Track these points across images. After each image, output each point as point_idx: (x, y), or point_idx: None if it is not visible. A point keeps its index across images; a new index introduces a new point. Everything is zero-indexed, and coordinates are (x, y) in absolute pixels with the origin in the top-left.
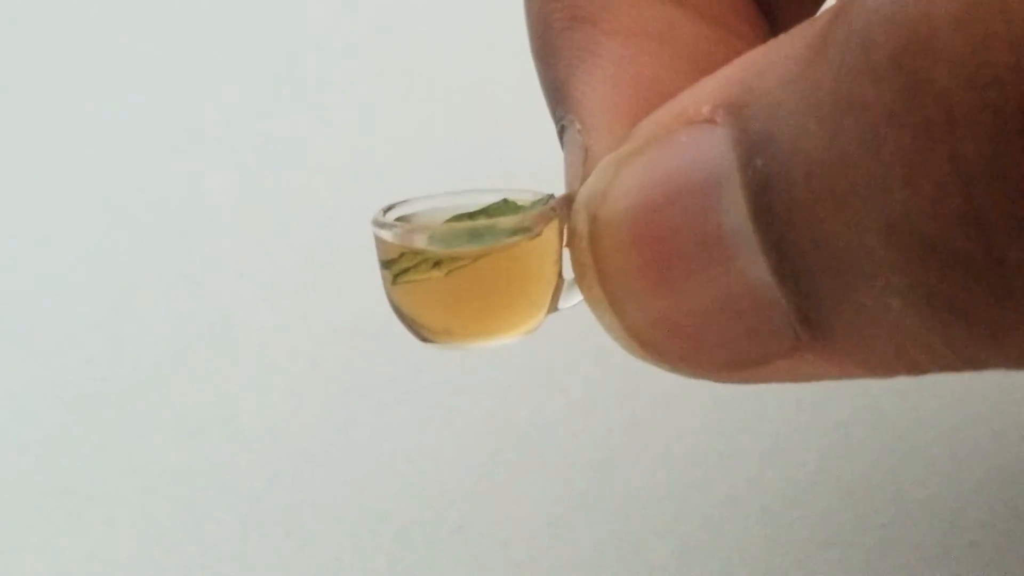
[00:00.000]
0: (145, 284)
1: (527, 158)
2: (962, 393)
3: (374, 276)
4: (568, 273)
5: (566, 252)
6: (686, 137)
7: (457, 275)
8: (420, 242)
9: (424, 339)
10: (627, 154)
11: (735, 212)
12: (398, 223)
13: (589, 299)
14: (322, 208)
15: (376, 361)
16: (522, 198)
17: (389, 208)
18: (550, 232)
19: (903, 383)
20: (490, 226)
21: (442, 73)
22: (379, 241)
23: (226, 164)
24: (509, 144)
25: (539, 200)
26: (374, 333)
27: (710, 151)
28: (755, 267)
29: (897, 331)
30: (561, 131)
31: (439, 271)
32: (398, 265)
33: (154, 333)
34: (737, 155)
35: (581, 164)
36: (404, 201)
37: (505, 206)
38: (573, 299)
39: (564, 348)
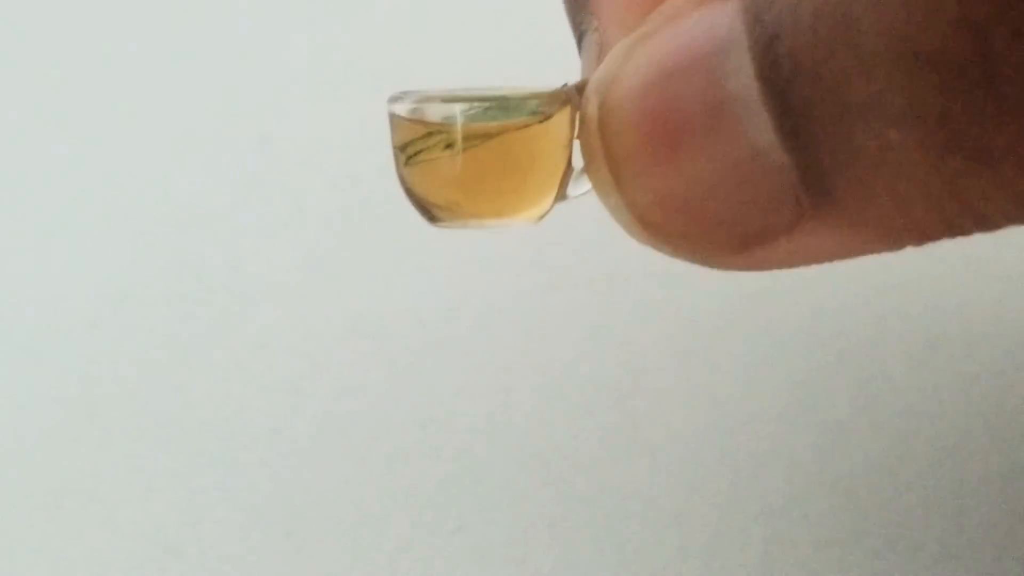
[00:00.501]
0: (145, 284)
1: None
2: (963, 393)
3: (374, 276)
4: (578, 163)
5: (577, 144)
6: (696, 14)
7: (470, 153)
8: (434, 115)
9: (434, 219)
10: (637, 37)
11: (742, 77)
12: (414, 95)
13: (596, 182)
14: (322, 208)
15: (376, 361)
16: (535, 89)
17: (405, 93)
18: (562, 117)
19: (903, 383)
20: (504, 104)
21: (445, 74)
22: (394, 122)
23: (227, 164)
24: None
25: (552, 89)
26: (374, 333)
27: (718, 22)
28: (759, 128)
29: (898, 177)
30: (580, 38)
31: (452, 151)
32: (412, 147)
33: (154, 332)
34: (744, 19)
35: (596, 59)
36: (417, 91)
37: (518, 91)
38: (581, 188)
39: (564, 348)
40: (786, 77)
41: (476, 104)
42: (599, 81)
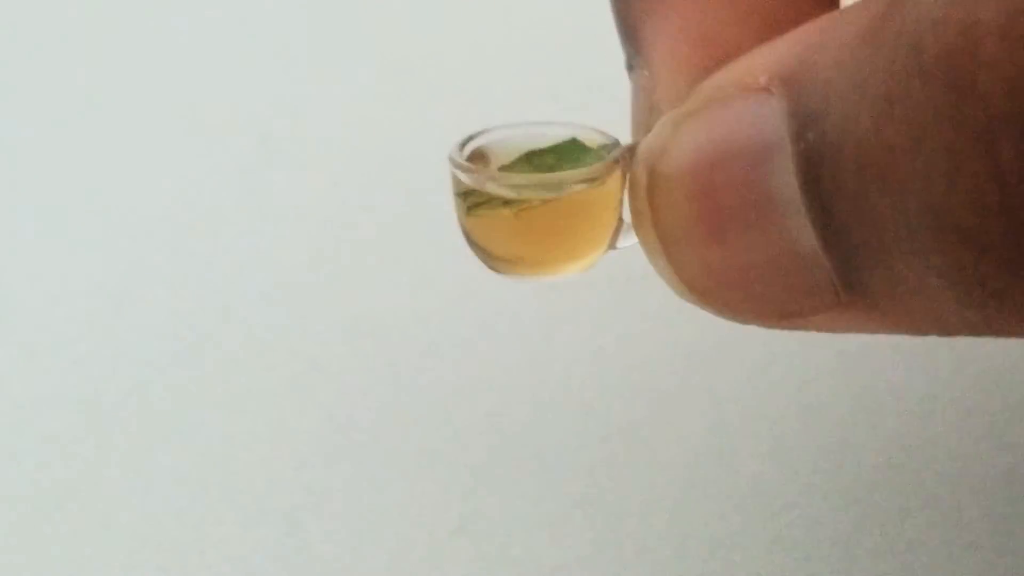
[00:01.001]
0: (145, 283)
1: None
2: (963, 392)
3: (374, 276)
4: (627, 215)
5: (626, 195)
6: (742, 103)
7: (526, 215)
8: (492, 188)
9: (492, 268)
10: (686, 113)
11: (786, 179)
12: (474, 167)
13: (644, 244)
14: (323, 208)
15: (376, 361)
16: (589, 137)
17: (466, 141)
18: (613, 180)
19: (903, 381)
20: (557, 181)
21: (443, 70)
22: (455, 177)
23: (227, 163)
24: None
25: (605, 146)
26: (374, 333)
27: (765, 119)
28: (802, 231)
29: (934, 301)
30: (629, 66)
31: (509, 210)
32: (473, 198)
33: (154, 332)
34: (789, 127)
35: (647, 113)
36: (480, 133)
37: (574, 146)
38: (629, 240)
39: (564, 348)
40: (828, 193)
41: (532, 176)
42: (649, 150)
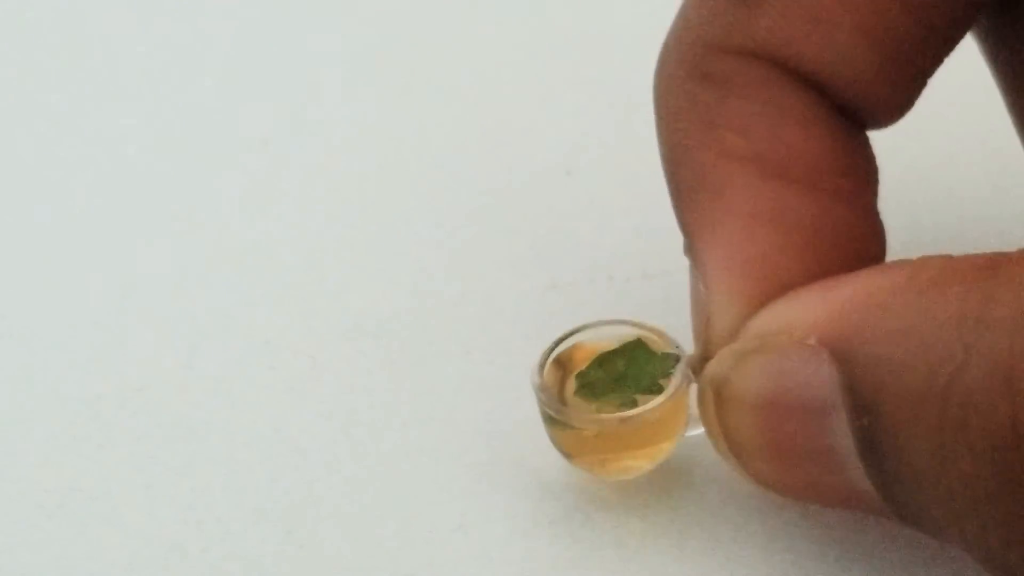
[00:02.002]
0: (145, 283)
1: (527, 159)
2: None
3: (374, 276)
4: (692, 408)
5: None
6: (796, 358)
7: (607, 433)
8: (576, 423)
9: (571, 463)
10: (744, 353)
11: (843, 438)
12: (561, 407)
13: (715, 445)
14: (323, 207)
15: (376, 361)
16: (650, 338)
17: (544, 359)
18: (682, 392)
19: None
20: (637, 417)
21: (443, 74)
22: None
23: (227, 163)
24: (510, 145)
25: (669, 354)
26: (374, 333)
27: (820, 383)
28: (858, 475)
29: (979, 546)
30: (686, 250)
31: (590, 431)
32: (556, 419)
33: (155, 332)
34: (844, 400)
35: (703, 320)
36: (553, 348)
37: (640, 349)
38: (695, 430)
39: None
40: (883, 454)
41: (612, 416)
42: (712, 377)
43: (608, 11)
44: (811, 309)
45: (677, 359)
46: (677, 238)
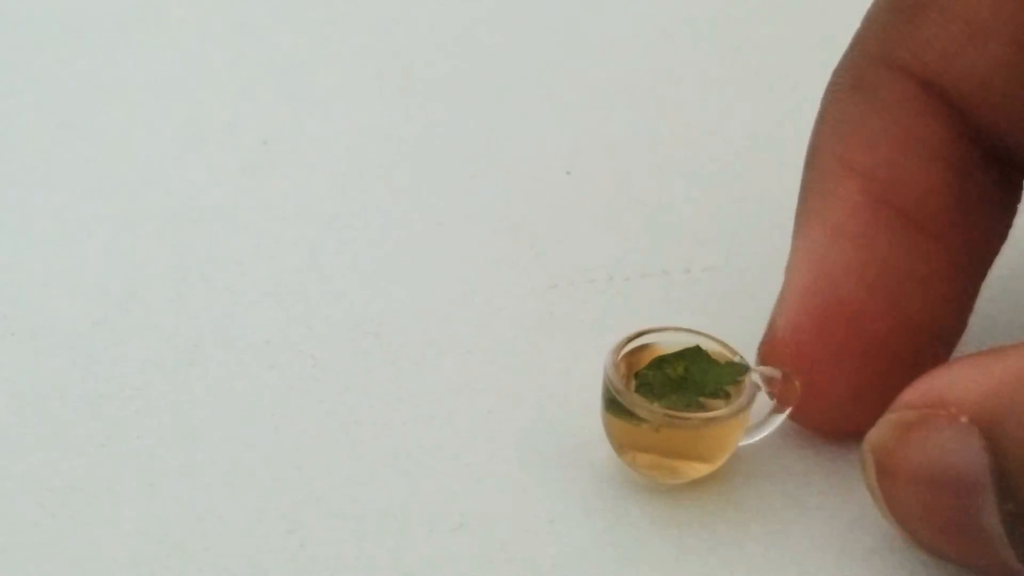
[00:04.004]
0: (146, 283)
1: (527, 159)
2: None
3: (374, 276)
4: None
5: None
6: (951, 434)
7: (666, 432)
8: (641, 413)
9: (623, 460)
10: (906, 425)
11: (993, 518)
12: (633, 395)
13: (878, 509)
14: (323, 207)
15: (376, 361)
16: (711, 346)
17: (628, 340)
18: (748, 404)
19: None
20: (705, 419)
21: (443, 74)
22: (607, 379)
23: (227, 163)
24: (510, 145)
25: (735, 364)
26: (374, 333)
27: (972, 460)
28: (1010, 558)
29: None
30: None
31: (651, 427)
32: (616, 405)
33: (155, 331)
34: (993, 480)
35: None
36: (639, 335)
37: (699, 355)
38: (752, 438)
39: (564, 348)
40: None
41: (680, 415)
42: (875, 446)
43: (608, 11)
44: (964, 384)
45: (744, 369)
46: (677, 238)
